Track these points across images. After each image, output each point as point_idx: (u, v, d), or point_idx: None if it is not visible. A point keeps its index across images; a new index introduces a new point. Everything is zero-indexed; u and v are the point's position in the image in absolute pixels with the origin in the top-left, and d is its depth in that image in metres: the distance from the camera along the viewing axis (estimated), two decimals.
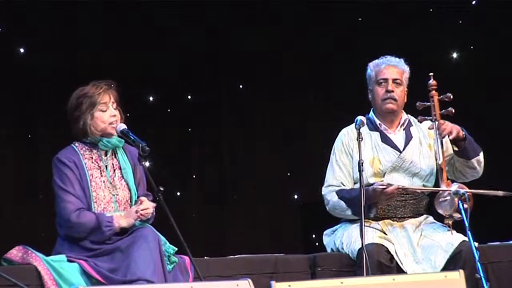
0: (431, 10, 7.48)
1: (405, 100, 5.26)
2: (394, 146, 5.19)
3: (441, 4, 7.39)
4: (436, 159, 5.11)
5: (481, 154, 5.16)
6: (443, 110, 5.11)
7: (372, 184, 5.08)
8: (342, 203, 5.12)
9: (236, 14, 7.36)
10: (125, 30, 7.04)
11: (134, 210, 4.68)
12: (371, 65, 5.29)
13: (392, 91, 5.18)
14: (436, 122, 5.08)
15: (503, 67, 7.41)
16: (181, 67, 7.27)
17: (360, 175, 4.76)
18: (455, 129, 5.04)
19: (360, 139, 4.87)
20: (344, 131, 5.30)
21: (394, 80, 5.20)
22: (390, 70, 5.21)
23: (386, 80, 5.20)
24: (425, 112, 5.15)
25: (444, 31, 7.47)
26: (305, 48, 7.45)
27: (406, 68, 5.26)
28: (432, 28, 7.46)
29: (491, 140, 6.60)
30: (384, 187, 4.95)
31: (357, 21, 7.48)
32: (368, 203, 4.97)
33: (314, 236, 7.24)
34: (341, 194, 5.13)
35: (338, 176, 5.20)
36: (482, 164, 5.18)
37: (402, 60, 5.27)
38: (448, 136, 5.03)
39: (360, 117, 4.99)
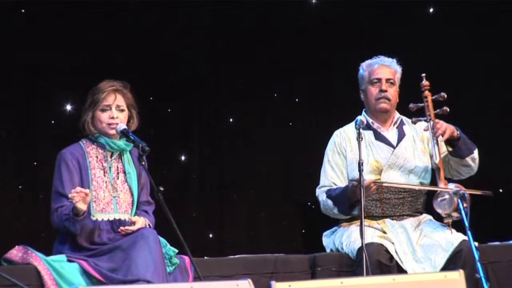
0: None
1: (397, 100, 5.28)
2: (388, 143, 5.22)
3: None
4: (433, 158, 5.11)
5: (476, 151, 5.17)
6: (438, 110, 5.12)
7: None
8: (330, 202, 5.15)
9: (236, 14, 7.36)
10: (126, 30, 7.04)
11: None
12: (364, 65, 5.31)
13: (386, 91, 5.21)
14: (431, 122, 5.09)
15: None
16: (181, 66, 7.26)
17: (360, 175, 4.77)
18: (449, 129, 5.05)
19: (360, 139, 4.88)
20: (336, 132, 5.35)
21: (387, 80, 5.23)
22: (384, 70, 5.24)
23: (379, 79, 5.22)
24: (418, 113, 5.16)
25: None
26: (305, 48, 7.45)
27: (399, 69, 5.29)
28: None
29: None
30: (358, 181, 4.94)
31: (357, 21, 7.48)
32: (351, 201, 4.99)
33: (312, 237, 7.24)
34: (329, 192, 5.17)
35: (330, 176, 5.22)
36: (477, 161, 5.19)
37: (394, 60, 5.30)
38: (442, 136, 5.04)
39: (360, 117, 5.02)
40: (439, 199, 4.97)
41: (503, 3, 7.34)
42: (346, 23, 7.47)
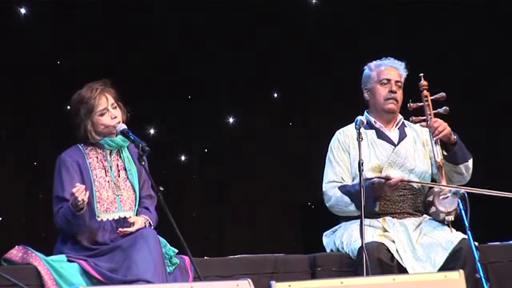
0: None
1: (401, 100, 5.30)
2: (390, 141, 5.23)
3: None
4: (434, 158, 5.10)
5: (471, 160, 5.17)
6: (438, 109, 5.12)
7: (371, 179, 5.09)
8: (346, 198, 5.12)
9: (236, 14, 7.36)
10: (126, 30, 7.04)
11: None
12: (372, 65, 5.31)
13: (395, 92, 5.22)
14: (430, 121, 5.08)
15: None
16: (181, 66, 7.27)
17: (360, 175, 4.77)
18: (447, 130, 5.05)
19: (360, 139, 4.89)
20: (339, 130, 5.35)
21: (396, 82, 5.25)
22: (393, 72, 5.27)
23: (389, 80, 5.24)
24: (417, 112, 5.15)
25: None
26: (305, 48, 7.45)
27: (405, 73, 5.31)
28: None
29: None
30: (388, 177, 4.95)
31: (357, 21, 7.49)
32: (373, 196, 4.98)
33: (312, 237, 7.25)
34: (345, 189, 5.15)
35: (338, 172, 5.22)
36: (470, 171, 5.18)
37: (403, 64, 5.31)
38: (438, 134, 5.03)
39: (360, 117, 5.02)
40: (441, 197, 4.97)
41: (503, 3, 7.35)
42: (346, 23, 7.47)
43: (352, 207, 5.11)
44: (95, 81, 4.82)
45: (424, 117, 5.13)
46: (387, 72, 5.26)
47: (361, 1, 7.39)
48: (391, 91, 5.23)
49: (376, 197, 5.05)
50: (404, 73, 5.30)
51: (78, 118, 4.77)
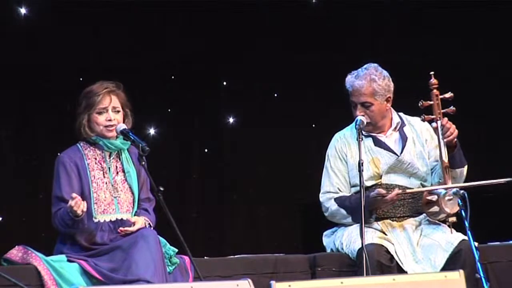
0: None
1: (388, 107, 5.15)
2: (389, 149, 5.15)
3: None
4: (441, 158, 5.06)
5: (466, 167, 5.13)
6: (445, 109, 5.08)
7: (369, 187, 5.07)
8: (342, 211, 5.10)
9: (236, 14, 7.36)
10: (125, 30, 7.04)
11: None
12: (346, 80, 5.17)
13: (363, 115, 5.09)
14: (439, 121, 5.05)
15: None
16: (181, 66, 7.27)
17: (360, 175, 4.76)
18: (456, 132, 5.01)
19: (361, 139, 4.87)
20: (336, 136, 5.28)
21: (362, 104, 5.10)
22: (357, 94, 5.10)
23: (356, 104, 5.11)
24: (427, 110, 5.10)
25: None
26: (305, 48, 7.45)
27: (377, 80, 5.09)
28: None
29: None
30: (383, 194, 4.94)
31: (357, 21, 7.49)
32: (369, 209, 4.96)
33: (312, 237, 7.25)
34: (341, 202, 5.12)
35: (334, 182, 5.18)
36: (464, 177, 5.14)
37: (368, 75, 5.10)
38: (450, 135, 5.00)
39: (360, 117, 4.99)
40: (446, 198, 4.96)
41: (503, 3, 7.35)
42: (346, 23, 7.47)
43: (349, 219, 5.10)
44: (108, 81, 4.83)
45: (434, 116, 5.06)
46: (353, 93, 5.11)
47: (361, 1, 7.38)
48: (357, 116, 5.10)
49: (372, 210, 5.01)
50: (374, 84, 5.08)
51: (78, 109, 4.79)
